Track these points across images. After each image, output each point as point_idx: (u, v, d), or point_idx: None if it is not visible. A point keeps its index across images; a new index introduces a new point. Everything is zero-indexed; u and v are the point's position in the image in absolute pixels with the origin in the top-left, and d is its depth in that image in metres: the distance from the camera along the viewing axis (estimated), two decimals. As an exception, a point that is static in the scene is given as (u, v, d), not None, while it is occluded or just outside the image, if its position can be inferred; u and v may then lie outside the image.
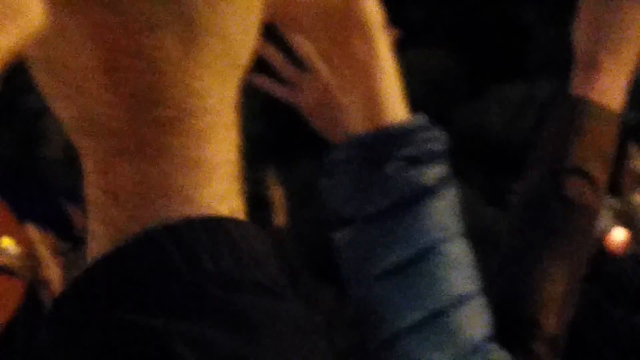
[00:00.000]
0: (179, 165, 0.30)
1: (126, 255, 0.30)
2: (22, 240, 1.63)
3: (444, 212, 0.51)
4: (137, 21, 0.29)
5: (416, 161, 0.50)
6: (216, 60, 0.30)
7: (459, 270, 0.51)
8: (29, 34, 0.24)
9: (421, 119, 0.51)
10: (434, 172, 0.50)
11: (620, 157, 1.06)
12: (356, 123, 0.51)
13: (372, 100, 0.50)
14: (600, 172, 0.71)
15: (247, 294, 0.29)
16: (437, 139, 0.51)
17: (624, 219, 1.25)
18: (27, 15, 0.24)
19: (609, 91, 0.72)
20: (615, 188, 1.27)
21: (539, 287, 0.70)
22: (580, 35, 0.74)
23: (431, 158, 0.50)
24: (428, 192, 0.50)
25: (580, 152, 0.70)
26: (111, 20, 0.29)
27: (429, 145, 0.50)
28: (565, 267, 0.71)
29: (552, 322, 0.70)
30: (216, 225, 0.31)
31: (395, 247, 0.49)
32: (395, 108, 0.50)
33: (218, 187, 0.32)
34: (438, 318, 0.49)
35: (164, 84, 0.30)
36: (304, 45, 0.65)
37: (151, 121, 0.30)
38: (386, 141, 0.49)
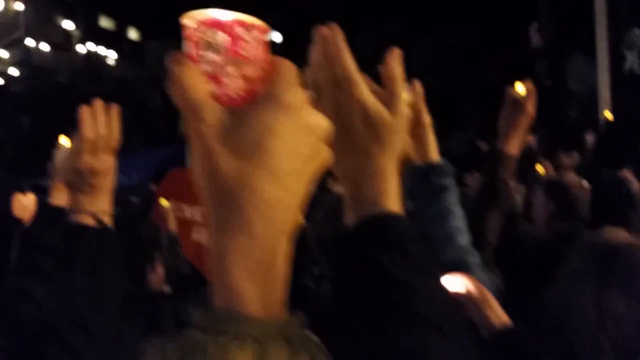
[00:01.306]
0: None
1: (367, 222, 0.68)
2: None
3: (453, 196, 1.24)
4: None
5: (442, 176, 1.23)
6: None
7: (457, 217, 1.25)
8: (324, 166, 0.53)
9: (443, 160, 1.25)
10: (449, 180, 1.24)
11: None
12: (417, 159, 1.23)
13: (425, 149, 1.20)
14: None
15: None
16: (448, 166, 1.24)
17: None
18: (324, 155, 0.53)
19: (512, 146, 1.75)
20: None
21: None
22: (501, 125, 1.77)
23: (448, 175, 1.24)
24: (448, 189, 1.24)
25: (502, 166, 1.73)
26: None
27: (446, 169, 1.24)
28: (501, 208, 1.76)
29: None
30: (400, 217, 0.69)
31: (436, 208, 1.24)
32: (434, 154, 1.22)
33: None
34: (451, 235, 1.23)
35: None
36: None
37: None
38: (431, 170, 1.23)
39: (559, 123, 7.82)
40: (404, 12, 15.70)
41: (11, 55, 18.33)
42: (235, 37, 0.47)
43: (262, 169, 0.46)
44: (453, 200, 1.33)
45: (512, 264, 1.95)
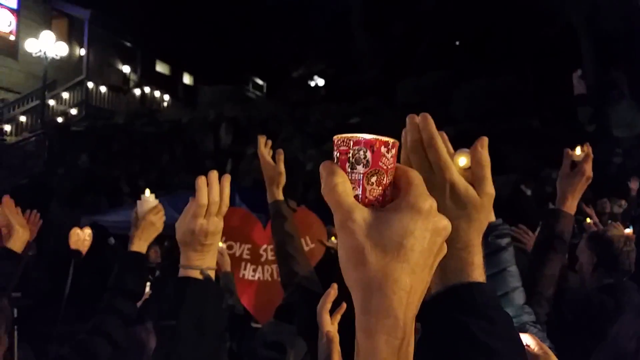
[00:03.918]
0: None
1: (456, 290, 0.76)
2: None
3: (509, 255, 1.35)
4: None
5: (500, 237, 1.35)
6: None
7: (514, 276, 1.34)
8: None
9: (500, 220, 1.37)
10: (506, 240, 1.36)
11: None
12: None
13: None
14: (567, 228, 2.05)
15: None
16: (505, 226, 1.37)
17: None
18: (444, 251, 0.63)
19: (571, 206, 2.04)
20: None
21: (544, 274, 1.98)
22: (560, 185, 2.04)
23: (505, 235, 1.36)
24: (505, 249, 1.35)
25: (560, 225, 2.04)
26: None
27: (503, 229, 1.36)
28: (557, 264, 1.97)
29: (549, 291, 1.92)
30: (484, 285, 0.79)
31: (494, 268, 1.33)
32: (491, 214, 1.28)
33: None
34: (508, 294, 1.32)
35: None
36: None
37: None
38: (489, 229, 1.16)
39: (602, 170, 7.73)
40: (446, 59, 15.78)
41: (72, 97, 19.34)
42: (378, 154, 0.59)
43: (403, 263, 0.55)
44: (510, 259, 1.35)
45: (558, 316, 1.95)
